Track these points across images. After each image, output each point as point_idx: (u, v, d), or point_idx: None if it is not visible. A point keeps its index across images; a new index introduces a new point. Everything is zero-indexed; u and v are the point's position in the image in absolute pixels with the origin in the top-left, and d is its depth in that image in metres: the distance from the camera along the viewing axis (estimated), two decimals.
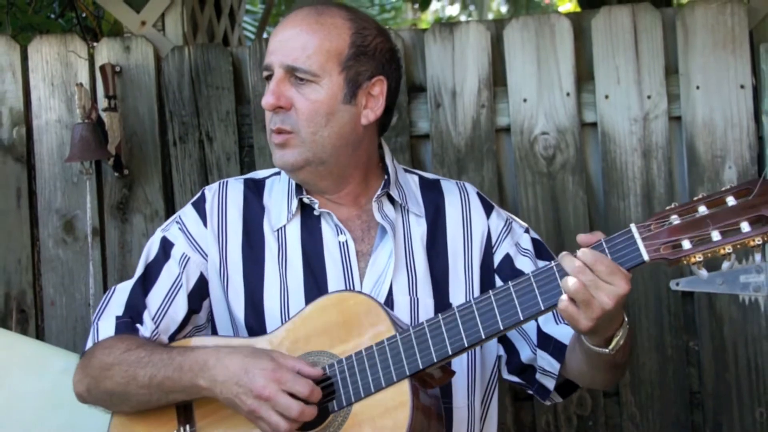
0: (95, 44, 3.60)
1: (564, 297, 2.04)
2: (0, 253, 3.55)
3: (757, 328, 3.37)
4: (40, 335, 3.53)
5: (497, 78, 3.48)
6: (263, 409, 2.12)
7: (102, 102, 3.47)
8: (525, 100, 3.44)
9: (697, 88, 3.39)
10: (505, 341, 2.45)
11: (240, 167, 3.53)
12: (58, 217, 3.55)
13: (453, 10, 12.36)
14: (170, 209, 3.53)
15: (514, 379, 2.48)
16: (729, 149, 3.37)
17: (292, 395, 2.12)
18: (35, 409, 2.85)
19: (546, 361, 2.37)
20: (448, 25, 3.49)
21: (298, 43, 2.34)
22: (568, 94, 3.43)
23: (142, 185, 3.54)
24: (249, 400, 2.13)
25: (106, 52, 3.56)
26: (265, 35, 7.07)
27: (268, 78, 2.37)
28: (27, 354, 2.98)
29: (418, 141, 3.52)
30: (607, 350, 2.11)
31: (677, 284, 3.36)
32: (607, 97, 3.42)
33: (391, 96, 2.43)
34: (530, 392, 2.47)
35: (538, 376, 2.41)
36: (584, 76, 3.46)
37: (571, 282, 2.02)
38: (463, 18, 11.71)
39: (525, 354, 2.42)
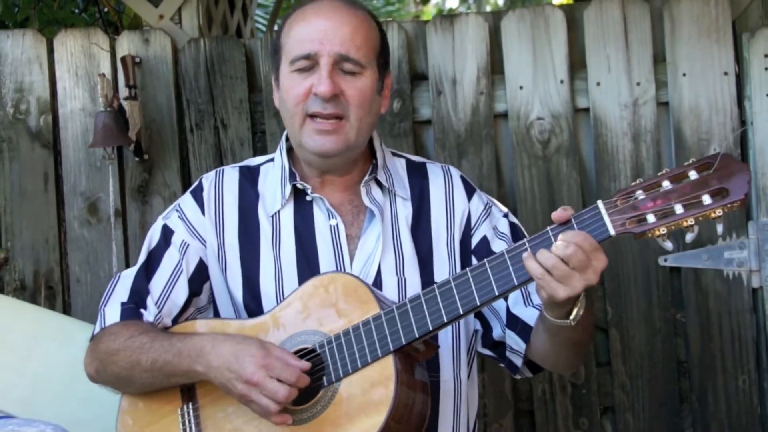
0: (116, 37, 3.60)
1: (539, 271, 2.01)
2: (29, 234, 3.57)
3: (740, 301, 3.38)
4: (66, 310, 3.55)
5: (495, 67, 3.48)
6: (253, 393, 2.13)
7: (123, 91, 3.48)
8: (521, 88, 3.44)
9: (684, 75, 3.39)
10: (480, 317, 2.45)
11: (253, 152, 3.52)
12: (83, 199, 3.56)
13: (453, 3, 12.31)
14: None
15: (487, 352, 2.47)
16: (714, 133, 3.37)
17: (280, 381, 2.12)
18: (62, 378, 2.87)
19: (513, 341, 2.36)
20: (448, 17, 3.48)
21: (344, 33, 2.29)
22: (561, 82, 3.43)
23: (161, 169, 3.55)
24: (239, 385, 2.14)
25: (127, 44, 3.57)
26: (276, 27, 7.07)
27: (305, 68, 2.30)
28: (54, 327, 3.01)
29: (420, 126, 3.53)
30: (568, 321, 2.08)
31: (665, 260, 3.37)
32: (598, 84, 3.42)
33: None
34: (502, 365, 2.46)
35: (507, 353, 2.41)
36: (577, 64, 3.46)
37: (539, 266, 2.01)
38: (462, 10, 11.67)
39: (497, 331, 2.42)
